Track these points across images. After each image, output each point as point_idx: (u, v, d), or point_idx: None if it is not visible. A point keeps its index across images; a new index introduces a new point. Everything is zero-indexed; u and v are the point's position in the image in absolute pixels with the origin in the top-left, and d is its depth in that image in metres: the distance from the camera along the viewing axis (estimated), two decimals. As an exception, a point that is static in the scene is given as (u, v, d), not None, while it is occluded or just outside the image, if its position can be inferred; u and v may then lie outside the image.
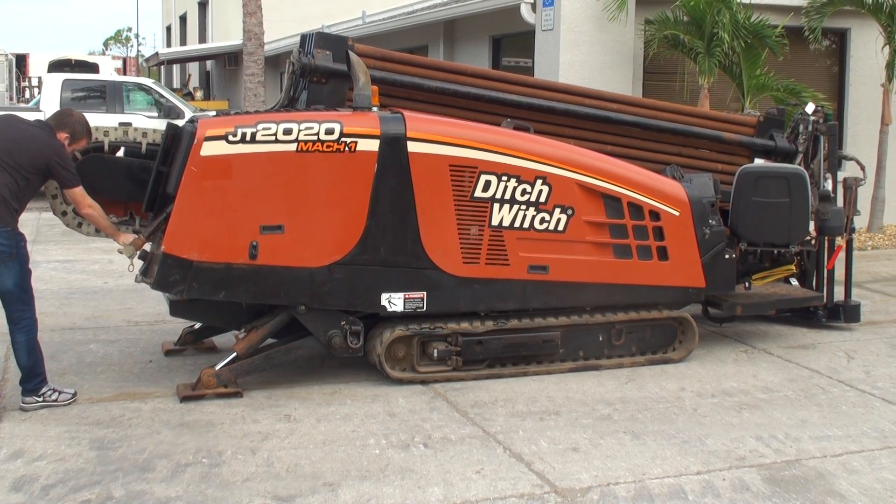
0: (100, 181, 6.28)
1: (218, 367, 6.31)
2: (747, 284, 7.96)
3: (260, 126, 6.06)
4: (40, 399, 6.10)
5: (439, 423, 5.90)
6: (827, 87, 14.44)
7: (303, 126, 6.11)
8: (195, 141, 5.96)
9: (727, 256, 7.37)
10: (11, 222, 5.90)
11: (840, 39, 14.66)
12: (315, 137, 6.12)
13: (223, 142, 6.00)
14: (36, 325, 6.10)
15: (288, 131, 6.09)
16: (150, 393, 6.37)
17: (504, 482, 5.03)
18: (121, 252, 6.23)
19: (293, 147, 6.10)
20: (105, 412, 5.97)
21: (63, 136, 6.08)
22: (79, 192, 5.99)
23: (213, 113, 6.93)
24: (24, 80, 41.42)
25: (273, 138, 6.07)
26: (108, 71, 39.29)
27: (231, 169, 6.05)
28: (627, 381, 6.84)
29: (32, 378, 6.11)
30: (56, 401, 6.13)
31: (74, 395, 6.25)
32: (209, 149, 5.98)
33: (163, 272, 6.03)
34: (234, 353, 6.40)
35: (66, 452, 5.32)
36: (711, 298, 7.71)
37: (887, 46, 13.23)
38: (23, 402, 6.09)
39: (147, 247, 6.36)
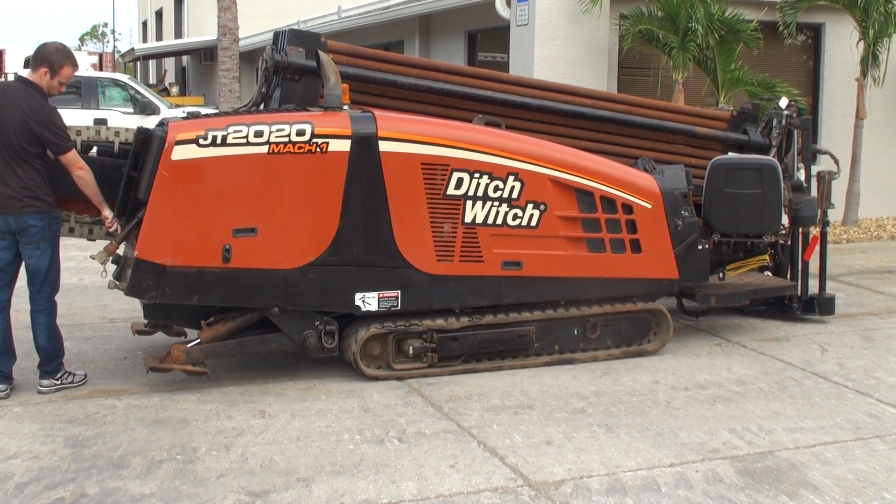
0: (72, 180, 6.24)
1: (190, 345, 6.29)
2: (721, 275, 8.00)
3: (231, 129, 6.01)
4: (58, 382, 6.27)
5: (414, 417, 5.91)
6: (802, 81, 14.52)
7: (274, 128, 6.07)
8: (166, 145, 5.91)
9: (700, 247, 7.40)
10: (45, 207, 6.01)
11: (815, 34, 14.75)
12: (286, 139, 6.08)
13: (194, 145, 5.95)
14: (56, 309, 6.23)
15: (259, 133, 6.04)
16: (124, 390, 6.34)
17: (478, 476, 5.04)
18: (93, 258, 6.28)
19: (265, 149, 6.06)
20: (79, 409, 5.94)
21: (42, 70, 6.04)
22: (71, 156, 6.00)
23: (183, 113, 6.87)
24: (-1, 76, 41.09)
25: (244, 141, 6.02)
26: (84, 66, 39.01)
27: (203, 173, 6.00)
28: (602, 374, 6.86)
29: (51, 360, 6.26)
30: (72, 382, 6.31)
31: (85, 376, 6.43)
32: (180, 153, 5.93)
33: (136, 278, 5.99)
34: (199, 339, 6.39)
35: (41, 450, 5.29)
36: (686, 290, 7.73)
37: (862, 41, 13.31)
38: (40, 386, 6.23)
39: (120, 250, 6.36)
